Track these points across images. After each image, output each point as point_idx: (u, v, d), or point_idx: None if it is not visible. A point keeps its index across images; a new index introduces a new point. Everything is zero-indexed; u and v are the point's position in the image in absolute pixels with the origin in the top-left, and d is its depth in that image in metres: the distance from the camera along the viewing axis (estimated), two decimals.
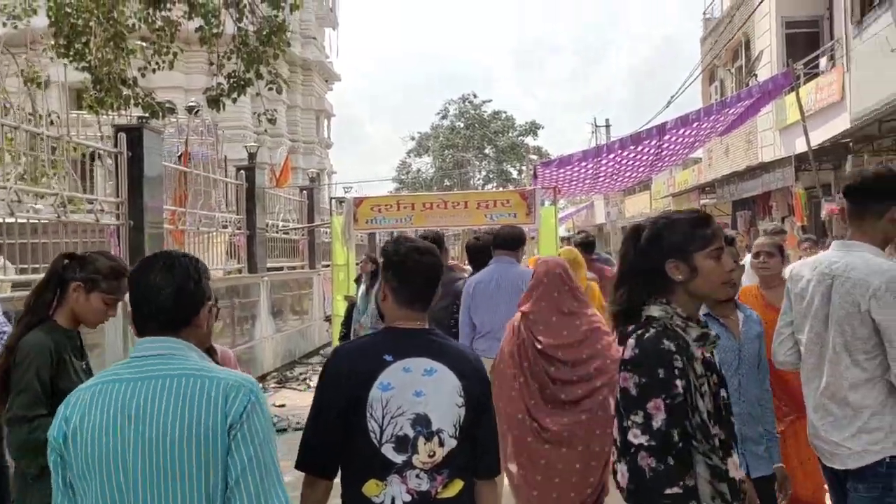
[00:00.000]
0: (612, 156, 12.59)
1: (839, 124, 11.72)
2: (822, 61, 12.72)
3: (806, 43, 13.95)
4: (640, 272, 1.99)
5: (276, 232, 12.25)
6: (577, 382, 3.23)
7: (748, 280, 5.79)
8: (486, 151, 49.72)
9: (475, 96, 50.29)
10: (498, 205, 9.17)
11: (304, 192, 13.73)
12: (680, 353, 1.85)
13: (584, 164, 12.65)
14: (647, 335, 1.89)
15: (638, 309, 1.96)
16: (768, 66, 14.51)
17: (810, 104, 12.22)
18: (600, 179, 14.11)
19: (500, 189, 38.14)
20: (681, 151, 13.57)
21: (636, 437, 1.81)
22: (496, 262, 4.75)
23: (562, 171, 12.85)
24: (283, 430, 7.09)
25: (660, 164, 13.93)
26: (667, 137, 12.38)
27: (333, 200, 10.08)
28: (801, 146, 12.55)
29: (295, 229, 13.09)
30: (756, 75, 14.61)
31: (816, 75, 12.93)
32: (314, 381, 10.06)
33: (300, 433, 2.06)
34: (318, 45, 30.89)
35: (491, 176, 49.25)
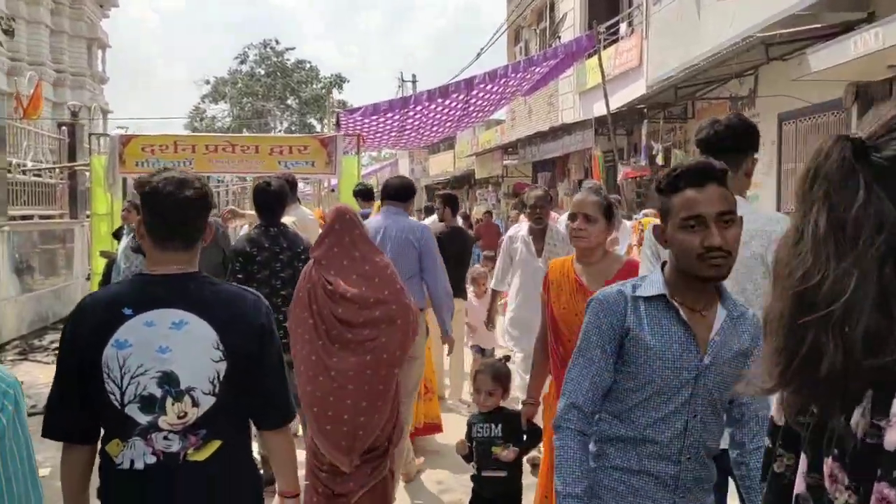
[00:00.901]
0: (419, 108, 12.01)
1: (637, 90, 12.03)
2: (623, 26, 12.98)
3: (607, 8, 14.19)
4: None
5: (24, 173, 10.20)
6: (362, 325, 3.27)
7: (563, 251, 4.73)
8: (289, 102, 47.51)
9: (277, 42, 47.56)
10: (294, 151, 8.17)
11: (64, 128, 11.61)
12: None
13: (390, 114, 11.95)
14: None
15: None
16: (571, 30, 14.65)
17: (610, 69, 12.43)
18: (406, 132, 13.50)
19: None
20: (487, 108, 13.33)
21: None
22: (384, 212, 4.46)
23: (367, 120, 12.04)
24: None
25: (466, 120, 13.61)
26: (474, 93, 12.03)
27: (94, 137, 8.42)
28: (599, 110, 12.80)
29: (47, 170, 11.01)
30: (560, 37, 14.71)
31: (617, 40, 13.20)
32: None
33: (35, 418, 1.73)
34: None
35: (294, 128, 47.00)
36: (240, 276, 4.24)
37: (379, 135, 13.59)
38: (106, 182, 7.87)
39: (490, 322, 5.67)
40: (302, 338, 3.26)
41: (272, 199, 4.42)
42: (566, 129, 12.60)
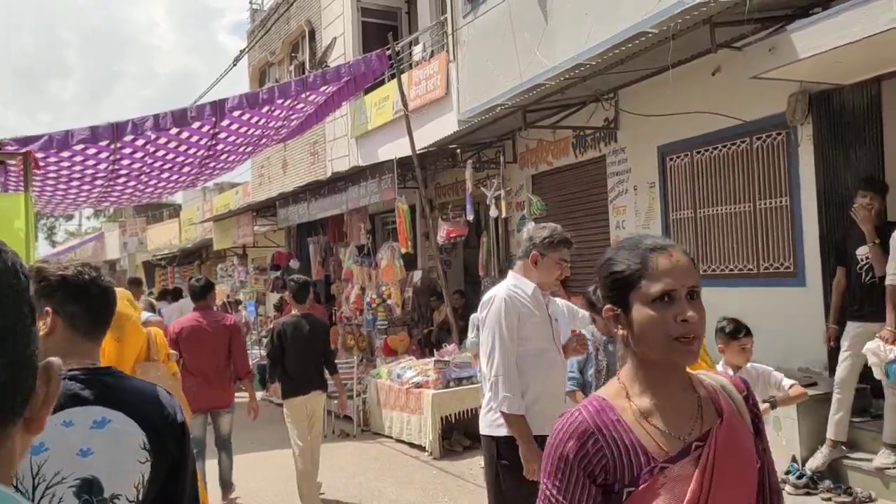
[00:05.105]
0: (141, 143, 8.03)
1: (440, 127, 9.40)
2: (417, 49, 10.38)
3: (382, 34, 11.58)
4: None
5: None
6: None
7: None
8: None
9: None
10: None
11: None
12: None
13: (93, 150, 7.80)
14: None
15: None
16: (342, 58, 11.75)
17: (400, 105, 9.66)
18: (121, 181, 9.26)
19: None
20: (241, 149, 9.69)
21: None
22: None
23: (54, 159, 7.75)
24: None
25: (213, 165, 9.80)
26: (225, 123, 8.41)
27: None
28: (384, 154, 9.99)
29: None
30: (328, 65, 11.68)
31: (403, 70, 10.52)
32: None
33: None
34: None
35: None
36: None
37: (76, 185, 9.18)
38: None
39: None
40: None
41: None
42: (353, 177, 9.46)
